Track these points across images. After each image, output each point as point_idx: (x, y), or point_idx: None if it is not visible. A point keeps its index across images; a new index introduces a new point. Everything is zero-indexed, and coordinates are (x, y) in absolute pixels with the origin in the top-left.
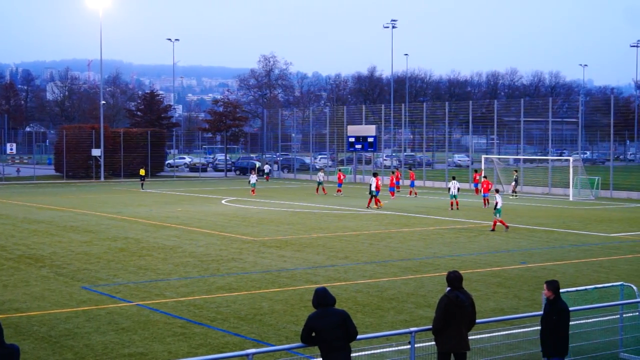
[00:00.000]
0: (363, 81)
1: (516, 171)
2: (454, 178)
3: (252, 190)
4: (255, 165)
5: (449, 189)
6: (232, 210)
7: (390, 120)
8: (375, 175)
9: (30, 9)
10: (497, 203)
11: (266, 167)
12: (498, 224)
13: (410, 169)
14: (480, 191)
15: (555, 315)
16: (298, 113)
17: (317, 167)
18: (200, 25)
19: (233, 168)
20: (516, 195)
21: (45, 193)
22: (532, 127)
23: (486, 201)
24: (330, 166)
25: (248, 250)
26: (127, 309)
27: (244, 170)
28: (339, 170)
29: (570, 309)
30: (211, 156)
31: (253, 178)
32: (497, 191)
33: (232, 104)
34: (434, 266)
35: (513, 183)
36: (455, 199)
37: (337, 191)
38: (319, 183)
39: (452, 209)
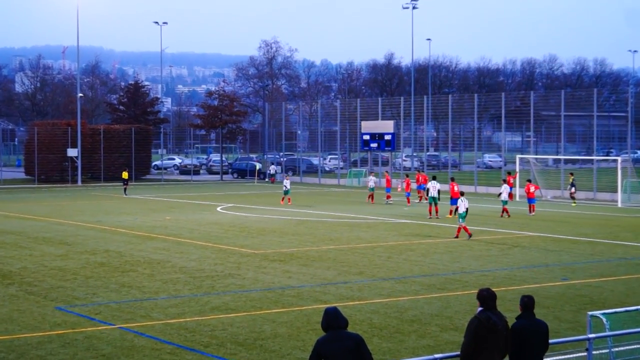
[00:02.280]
0: (379, 70)
1: (572, 174)
2: (434, 178)
3: (288, 199)
4: (256, 166)
5: (428, 190)
6: (229, 218)
7: (410, 115)
8: (407, 176)
9: None
10: (457, 207)
11: (271, 168)
12: (463, 230)
13: (419, 171)
14: (514, 196)
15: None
16: (304, 107)
17: (369, 170)
18: (192, 6)
19: (230, 170)
20: (575, 203)
21: (13, 199)
22: (574, 123)
23: (532, 208)
24: (341, 168)
25: (247, 265)
26: (108, 332)
27: (243, 173)
28: (386, 172)
29: (619, 332)
30: (205, 157)
31: (287, 182)
32: (461, 194)
33: (228, 97)
34: (461, 283)
35: (571, 188)
36: (436, 204)
37: (387, 197)
38: (371, 189)
39: (430, 216)
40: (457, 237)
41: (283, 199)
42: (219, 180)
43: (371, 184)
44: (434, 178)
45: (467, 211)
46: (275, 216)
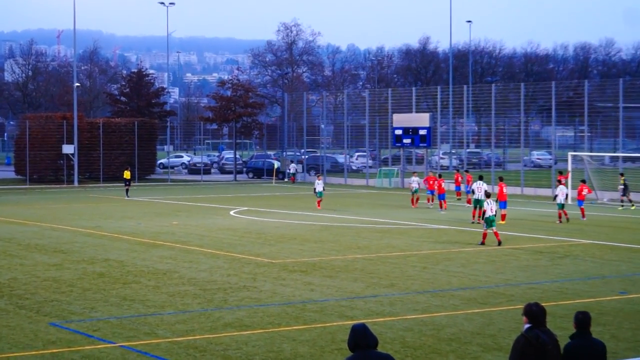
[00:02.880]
0: (413, 56)
1: (622, 175)
2: (481, 178)
3: (318, 203)
4: (274, 164)
5: (473, 191)
6: (244, 224)
7: (448, 107)
8: (439, 175)
9: None
10: (485, 211)
11: (292, 167)
12: (492, 236)
13: (457, 170)
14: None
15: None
16: (329, 98)
17: (411, 171)
18: None
19: (245, 169)
20: (633, 206)
21: (2, 202)
22: (633, 116)
23: (584, 212)
24: (370, 167)
25: (264, 276)
26: (108, 352)
27: (259, 173)
28: (457, 170)
29: None
30: (216, 154)
31: (319, 185)
32: (487, 195)
33: (243, 87)
34: (506, 297)
35: (625, 191)
36: (481, 207)
37: (457, 195)
38: (414, 192)
39: (474, 220)
40: (483, 243)
41: (320, 202)
42: (233, 181)
43: (415, 185)
44: (480, 178)
45: (495, 215)
46: (295, 221)
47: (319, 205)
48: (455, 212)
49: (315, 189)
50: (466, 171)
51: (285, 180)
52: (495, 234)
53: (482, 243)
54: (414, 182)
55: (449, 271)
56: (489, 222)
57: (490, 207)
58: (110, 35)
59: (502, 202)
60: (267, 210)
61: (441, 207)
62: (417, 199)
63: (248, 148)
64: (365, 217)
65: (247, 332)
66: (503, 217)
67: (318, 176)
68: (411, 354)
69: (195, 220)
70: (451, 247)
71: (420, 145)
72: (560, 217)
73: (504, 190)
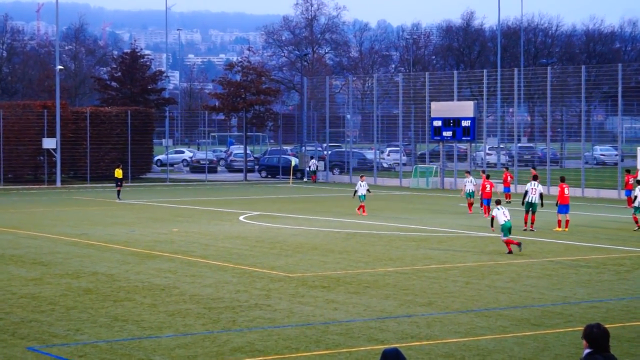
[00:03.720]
0: (454, 35)
1: None
2: (535, 178)
3: (360, 208)
4: (291, 161)
5: (525, 193)
6: (256, 231)
7: (496, 94)
8: (488, 176)
9: None
10: (493, 217)
11: (312, 164)
12: (513, 244)
13: (507, 169)
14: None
15: None
16: (356, 83)
17: (465, 170)
18: None
19: (257, 167)
20: None
21: None
22: None
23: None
24: (404, 164)
25: (279, 292)
26: None
27: (274, 171)
28: (506, 168)
29: None
30: (223, 149)
31: (362, 188)
32: (497, 202)
33: (255, 70)
34: (563, 317)
35: None
36: (533, 212)
37: (507, 197)
38: (469, 195)
39: (525, 227)
40: (510, 252)
41: (360, 207)
42: (242, 181)
43: (469, 186)
44: (534, 178)
45: (510, 221)
46: (316, 228)
47: (363, 212)
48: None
49: (356, 191)
50: (507, 169)
51: (305, 180)
52: (508, 242)
53: (510, 252)
54: (469, 183)
55: (497, 287)
56: (506, 230)
57: (503, 214)
58: (99, 10)
59: (563, 206)
60: (283, 215)
61: (486, 212)
62: (471, 204)
63: (260, 142)
64: (398, 223)
65: (260, 358)
66: (566, 223)
67: (361, 177)
68: None
69: (199, 227)
70: (499, 259)
71: (463, 138)
72: (637, 222)
73: (566, 192)
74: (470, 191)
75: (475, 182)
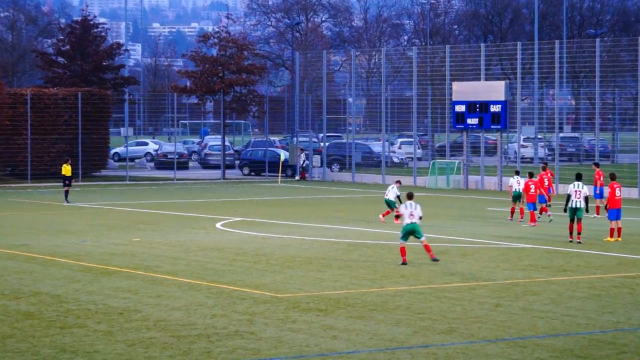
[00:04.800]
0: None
1: None
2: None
3: (383, 215)
4: (280, 155)
5: (568, 196)
6: (236, 241)
7: (532, 73)
8: (530, 175)
9: None
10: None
11: (301, 158)
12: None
13: (545, 165)
14: None
15: None
16: (360, 59)
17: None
18: None
19: (237, 162)
20: None
21: None
22: None
23: None
24: (419, 159)
25: (265, 317)
26: None
27: (258, 167)
28: (545, 164)
29: None
30: (196, 140)
31: (392, 192)
32: (409, 196)
33: (235, 43)
34: (616, 347)
35: None
36: (579, 219)
37: (542, 211)
38: (516, 196)
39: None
40: (404, 263)
41: (387, 213)
42: (220, 179)
43: (517, 186)
44: (578, 177)
45: (412, 224)
46: (310, 237)
47: (396, 219)
48: (545, 225)
49: (388, 194)
50: (545, 165)
51: (297, 178)
52: (402, 249)
53: (404, 263)
54: (516, 183)
55: (534, 310)
56: (407, 234)
57: (411, 212)
58: None
59: (614, 211)
60: (269, 222)
61: (534, 219)
62: (520, 211)
63: (242, 132)
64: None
65: None
66: (619, 232)
67: (397, 182)
68: None
69: (166, 236)
70: (536, 275)
71: (492, 127)
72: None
73: (617, 193)
74: (517, 191)
75: (522, 181)
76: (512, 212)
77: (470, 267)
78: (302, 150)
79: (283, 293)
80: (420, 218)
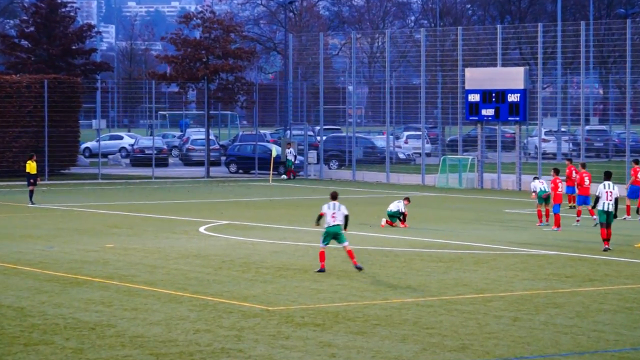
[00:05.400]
0: None
1: None
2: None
3: (401, 222)
4: (271, 151)
5: (597, 198)
6: (221, 247)
7: (555, 58)
8: (556, 171)
9: None
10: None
11: (288, 153)
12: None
13: (571, 161)
14: None
15: None
16: (361, 43)
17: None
18: None
19: (224, 158)
20: None
21: None
22: None
23: None
24: (428, 154)
25: (255, 333)
26: None
27: (247, 164)
28: (569, 161)
29: None
30: (177, 134)
31: (395, 205)
32: (332, 196)
33: (221, 24)
34: None
35: None
36: (609, 222)
37: (570, 200)
38: (542, 198)
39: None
40: (322, 269)
41: (390, 223)
42: (203, 178)
43: (541, 186)
44: (607, 176)
45: (335, 227)
46: (305, 242)
47: (396, 224)
48: (570, 229)
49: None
50: (569, 161)
51: (283, 176)
52: (349, 252)
53: (322, 269)
54: (539, 183)
55: (556, 324)
56: (329, 237)
57: (333, 214)
58: None
59: None
60: (260, 226)
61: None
62: (543, 214)
63: (229, 124)
64: (420, 236)
65: None
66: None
67: (406, 199)
68: None
69: (143, 242)
70: (560, 286)
71: (510, 119)
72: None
73: None
74: (541, 190)
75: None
76: (540, 215)
77: (485, 277)
78: (290, 144)
79: (275, 306)
80: (347, 218)
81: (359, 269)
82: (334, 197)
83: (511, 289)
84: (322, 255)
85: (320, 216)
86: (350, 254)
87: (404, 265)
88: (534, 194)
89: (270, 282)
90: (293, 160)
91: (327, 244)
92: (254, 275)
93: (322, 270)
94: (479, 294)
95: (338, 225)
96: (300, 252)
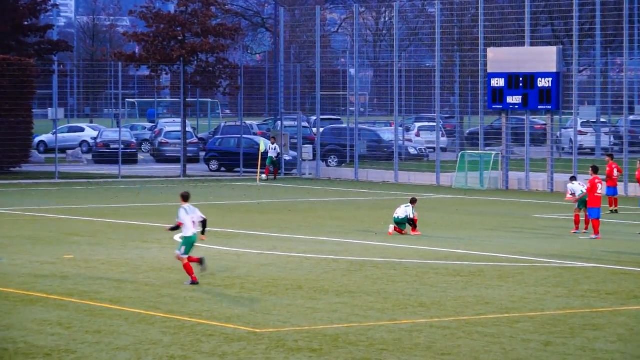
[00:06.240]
0: None
1: None
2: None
3: (413, 230)
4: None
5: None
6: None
7: (594, 35)
8: (595, 169)
9: None
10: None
11: (271, 150)
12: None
13: (611, 158)
14: None
15: None
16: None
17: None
18: None
19: (204, 154)
20: None
21: None
22: None
23: None
24: (444, 150)
25: (240, 358)
26: None
27: (230, 160)
28: (610, 157)
29: None
30: (147, 125)
31: (403, 210)
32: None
33: None
34: None
35: None
36: (581, 209)
37: (611, 203)
38: (580, 203)
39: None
40: (193, 282)
41: (399, 230)
42: (179, 177)
43: (581, 188)
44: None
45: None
46: (299, 253)
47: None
48: (612, 237)
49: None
50: (610, 158)
51: (263, 177)
52: (187, 264)
53: (194, 282)
54: (578, 187)
55: (595, 350)
56: (190, 245)
57: (192, 218)
58: None
59: None
60: (245, 233)
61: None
62: (585, 219)
63: (209, 114)
64: (434, 245)
65: None
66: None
67: (413, 200)
68: None
69: (108, 253)
70: (599, 304)
71: (540, 107)
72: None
73: None
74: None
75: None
76: (578, 221)
77: (511, 294)
78: (274, 138)
79: (263, 327)
80: (205, 223)
81: (201, 261)
82: (186, 198)
83: (542, 308)
84: (188, 268)
85: (178, 227)
86: (189, 266)
87: (415, 280)
88: (571, 195)
89: (257, 300)
90: (275, 157)
91: (187, 252)
92: (239, 292)
93: (195, 283)
94: (503, 313)
95: (194, 234)
96: (294, 264)
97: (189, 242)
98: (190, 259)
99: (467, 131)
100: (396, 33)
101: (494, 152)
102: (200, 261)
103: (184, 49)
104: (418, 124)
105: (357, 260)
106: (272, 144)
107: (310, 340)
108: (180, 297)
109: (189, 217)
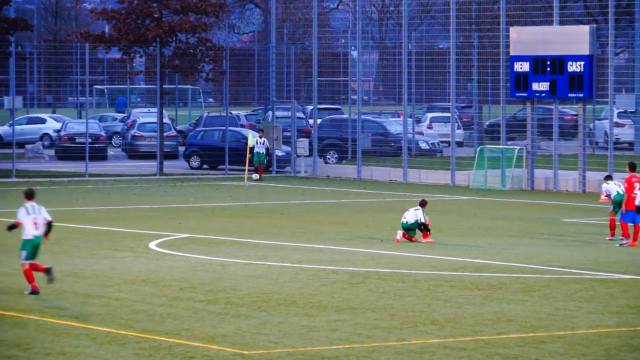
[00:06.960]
0: None
1: None
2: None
3: (424, 235)
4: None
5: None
6: (181, 268)
7: (633, 12)
8: (632, 167)
9: None
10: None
11: (258, 144)
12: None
13: None
14: None
15: None
16: None
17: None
18: None
19: (184, 149)
20: None
21: None
22: None
23: None
24: (460, 144)
25: None
26: None
27: (214, 157)
28: None
29: None
30: (119, 116)
31: (412, 215)
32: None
33: None
34: None
35: None
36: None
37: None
38: (619, 202)
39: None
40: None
41: (409, 237)
42: (155, 175)
43: (617, 188)
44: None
45: (39, 237)
46: (293, 263)
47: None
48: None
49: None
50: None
51: (255, 176)
52: (30, 269)
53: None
54: (614, 187)
55: None
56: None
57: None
58: None
59: None
60: (230, 240)
61: (617, 232)
62: (622, 224)
63: (189, 103)
64: (448, 254)
65: None
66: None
67: (423, 203)
68: None
69: (74, 262)
70: (639, 322)
71: (571, 96)
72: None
73: None
74: (620, 194)
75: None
76: (613, 226)
77: (537, 310)
78: (262, 132)
79: (252, 348)
80: (50, 225)
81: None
82: (30, 196)
83: (572, 326)
84: (29, 275)
85: (16, 226)
86: (35, 268)
87: (426, 294)
88: (606, 197)
89: (245, 317)
90: (263, 153)
91: (32, 259)
92: (224, 308)
93: (35, 292)
94: (528, 332)
95: (41, 235)
96: (287, 276)
97: (29, 246)
98: (34, 266)
99: (487, 123)
100: (405, 10)
101: (517, 147)
102: (47, 271)
103: (160, 28)
104: (430, 115)
105: (360, 271)
106: (260, 137)
107: None
108: (156, 314)
109: (31, 217)
